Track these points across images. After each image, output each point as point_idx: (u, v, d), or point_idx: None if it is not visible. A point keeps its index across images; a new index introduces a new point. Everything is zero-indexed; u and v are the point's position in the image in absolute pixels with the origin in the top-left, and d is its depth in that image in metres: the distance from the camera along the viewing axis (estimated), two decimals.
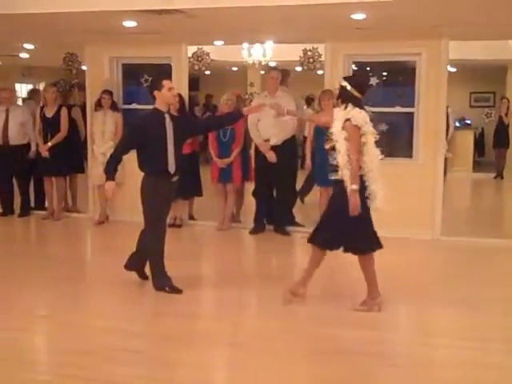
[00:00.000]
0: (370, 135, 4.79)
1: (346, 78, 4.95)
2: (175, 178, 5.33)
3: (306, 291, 5.06)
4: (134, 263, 5.56)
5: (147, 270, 5.52)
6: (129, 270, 5.57)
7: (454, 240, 7.41)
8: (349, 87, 4.78)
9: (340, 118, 4.79)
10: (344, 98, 4.81)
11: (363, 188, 4.74)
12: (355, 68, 7.84)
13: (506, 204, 11.23)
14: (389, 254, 6.76)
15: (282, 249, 7.23)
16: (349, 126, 4.70)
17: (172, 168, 5.26)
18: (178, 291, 5.29)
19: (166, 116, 5.26)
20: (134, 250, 5.55)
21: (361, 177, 4.74)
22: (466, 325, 4.80)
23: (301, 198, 9.29)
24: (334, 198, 5.04)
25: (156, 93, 5.24)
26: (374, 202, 4.82)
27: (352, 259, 6.76)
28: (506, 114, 13.38)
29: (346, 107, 4.78)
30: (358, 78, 5.12)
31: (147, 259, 5.44)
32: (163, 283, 5.32)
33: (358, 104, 4.78)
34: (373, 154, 4.80)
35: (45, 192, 8.69)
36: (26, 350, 4.28)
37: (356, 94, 4.78)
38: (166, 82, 5.24)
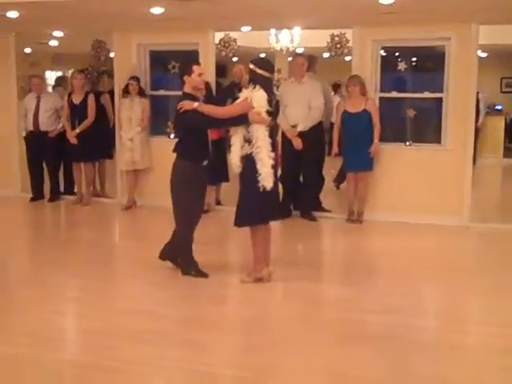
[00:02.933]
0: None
1: (252, 62, 5.05)
2: (206, 162, 5.35)
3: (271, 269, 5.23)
4: (168, 253, 5.56)
5: None
6: (163, 260, 5.58)
7: (484, 226, 7.34)
8: (258, 70, 4.96)
9: (243, 96, 5.00)
10: (254, 80, 4.98)
11: (254, 168, 4.92)
12: (384, 53, 7.77)
13: None
14: (418, 240, 6.79)
15: (309, 234, 7.24)
16: (242, 99, 4.97)
17: (209, 152, 5.33)
18: (204, 275, 5.33)
19: (201, 102, 5.24)
20: (169, 239, 5.54)
21: (251, 156, 4.94)
22: (495, 311, 4.75)
23: (337, 184, 9.29)
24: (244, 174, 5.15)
25: (186, 78, 5.21)
26: (262, 181, 4.94)
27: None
28: None
29: (253, 88, 4.94)
30: (264, 60, 5.31)
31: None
32: (190, 267, 5.37)
33: (269, 84, 5.01)
34: (260, 136, 4.92)
35: (74, 177, 8.81)
36: (57, 331, 4.36)
37: (266, 74, 4.98)
38: (196, 68, 5.22)
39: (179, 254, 5.48)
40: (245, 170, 5.06)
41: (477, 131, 12.37)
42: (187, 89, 5.24)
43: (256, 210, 5.06)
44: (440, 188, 7.38)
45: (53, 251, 6.39)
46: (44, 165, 8.84)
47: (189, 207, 5.32)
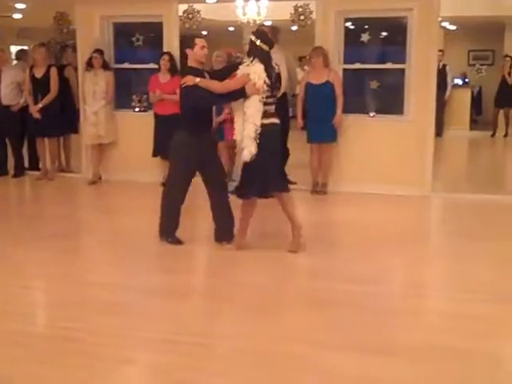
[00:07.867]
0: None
1: (254, 33, 5.08)
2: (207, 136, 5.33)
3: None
4: (221, 234, 5.51)
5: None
6: (220, 243, 5.49)
7: (445, 196, 7.47)
8: (258, 42, 4.97)
9: (241, 71, 5.01)
10: (252, 52, 4.99)
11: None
12: (347, 24, 7.77)
13: (502, 161, 11.25)
14: (381, 210, 6.88)
15: (275, 205, 7.24)
16: (240, 74, 5.00)
17: (210, 128, 5.41)
18: (179, 242, 5.38)
19: (206, 74, 5.22)
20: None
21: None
22: (456, 277, 4.84)
23: None
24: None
25: (188, 51, 5.16)
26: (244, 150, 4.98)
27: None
28: (509, 74, 13.04)
29: (252, 61, 4.96)
30: (265, 33, 5.24)
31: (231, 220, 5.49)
32: (167, 233, 5.40)
33: (266, 57, 4.98)
34: (254, 108, 4.93)
35: (38, 152, 8.71)
36: (24, 305, 4.33)
37: (265, 47, 4.98)
38: (198, 40, 5.17)
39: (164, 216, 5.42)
40: None
41: (444, 104, 12.50)
42: (190, 62, 5.19)
43: (241, 183, 5.24)
44: (403, 158, 7.46)
45: (17, 226, 6.36)
46: (7, 140, 8.74)
47: (179, 172, 5.28)
